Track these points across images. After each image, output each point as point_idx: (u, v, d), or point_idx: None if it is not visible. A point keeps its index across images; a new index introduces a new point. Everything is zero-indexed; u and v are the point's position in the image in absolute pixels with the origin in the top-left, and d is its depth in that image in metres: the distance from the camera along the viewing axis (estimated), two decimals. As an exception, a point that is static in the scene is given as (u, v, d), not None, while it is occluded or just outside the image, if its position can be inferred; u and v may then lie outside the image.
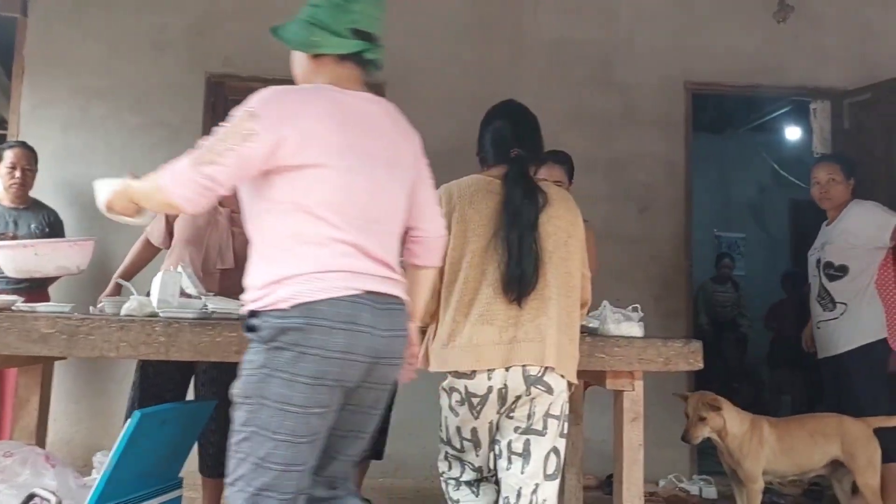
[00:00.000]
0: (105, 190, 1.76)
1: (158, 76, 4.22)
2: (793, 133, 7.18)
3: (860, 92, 4.49)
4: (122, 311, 2.28)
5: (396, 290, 1.67)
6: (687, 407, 2.97)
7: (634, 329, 2.35)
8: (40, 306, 2.36)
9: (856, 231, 3.44)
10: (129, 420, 2.09)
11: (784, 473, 3.06)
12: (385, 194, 1.69)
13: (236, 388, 1.58)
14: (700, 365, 2.30)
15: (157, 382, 2.84)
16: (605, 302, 2.42)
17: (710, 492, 3.93)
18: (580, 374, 2.22)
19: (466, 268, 2.01)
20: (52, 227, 3.66)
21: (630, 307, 2.41)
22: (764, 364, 6.51)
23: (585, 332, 2.37)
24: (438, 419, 2.11)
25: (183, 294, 2.44)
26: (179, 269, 2.45)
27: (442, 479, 2.19)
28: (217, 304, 2.36)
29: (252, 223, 1.65)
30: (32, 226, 3.59)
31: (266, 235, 1.62)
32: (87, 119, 4.15)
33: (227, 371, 2.01)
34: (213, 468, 2.80)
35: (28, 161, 3.59)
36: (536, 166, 2.18)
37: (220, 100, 4.25)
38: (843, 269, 3.46)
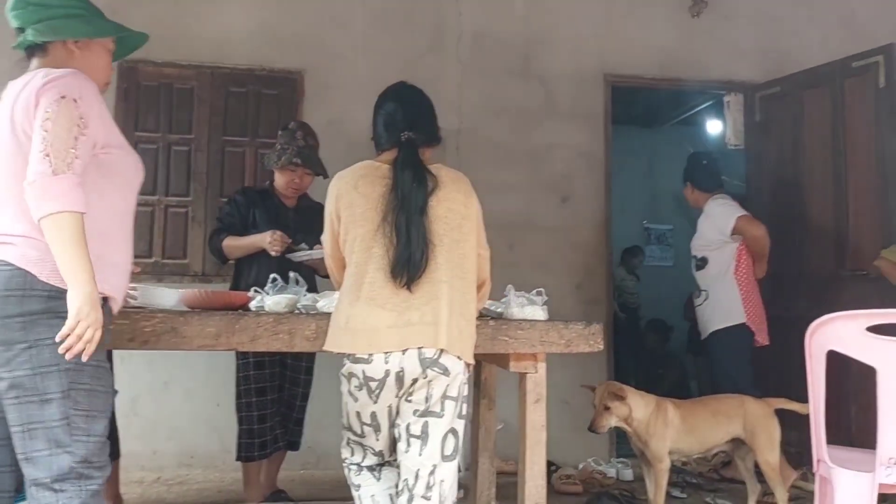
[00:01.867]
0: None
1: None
2: (714, 126, 7.39)
3: (770, 85, 4.65)
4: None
5: None
6: (594, 398, 3.03)
7: (538, 312, 2.38)
8: None
9: (707, 227, 3.96)
10: None
11: (689, 452, 3.16)
12: None
13: None
14: (600, 346, 2.35)
15: None
16: (509, 286, 2.44)
17: (627, 473, 4.02)
18: (486, 357, 2.25)
19: (357, 251, 2.02)
20: None
21: (534, 291, 2.45)
22: (685, 352, 6.71)
23: (490, 316, 2.40)
24: (340, 406, 2.11)
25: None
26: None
27: (345, 465, 2.19)
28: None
29: None
30: None
31: None
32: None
33: None
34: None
35: None
36: (429, 149, 2.18)
37: (132, 86, 4.13)
38: (704, 261, 3.96)
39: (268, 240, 3.01)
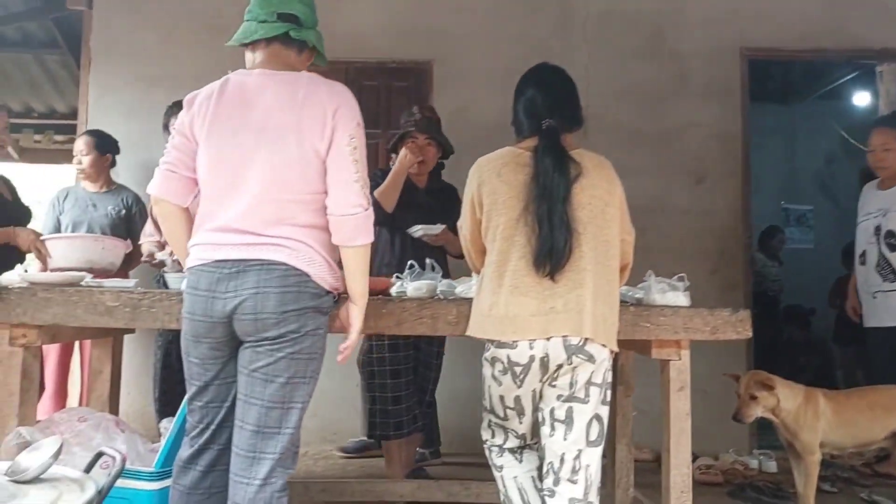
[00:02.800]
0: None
1: (214, 61, 4.29)
2: (861, 99, 6.88)
3: (930, 52, 4.28)
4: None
5: (258, 254, 1.81)
6: (738, 387, 2.93)
7: (680, 298, 2.33)
8: (107, 282, 2.50)
9: None
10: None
11: (842, 445, 2.99)
12: (247, 167, 1.83)
13: None
14: (748, 334, 2.28)
15: None
16: (649, 272, 2.40)
17: (771, 465, 3.86)
18: (625, 343, 2.23)
19: (499, 240, 2.04)
20: (130, 210, 3.84)
21: (675, 276, 2.40)
22: (831, 341, 6.31)
23: (630, 302, 2.37)
24: (481, 389, 2.16)
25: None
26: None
27: (485, 446, 2.24)
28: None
29: None
30: (109, 208, 3.78)
31: None
32: (148, 106, 4.28)
33: None
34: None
35: (89, 149, 3.77)
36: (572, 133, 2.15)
37: (274, 83, 4.35)
38: None
39: (403, 154, 3.16)
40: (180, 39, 4.35)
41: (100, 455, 1.68)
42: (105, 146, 3.82)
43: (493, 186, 2.07)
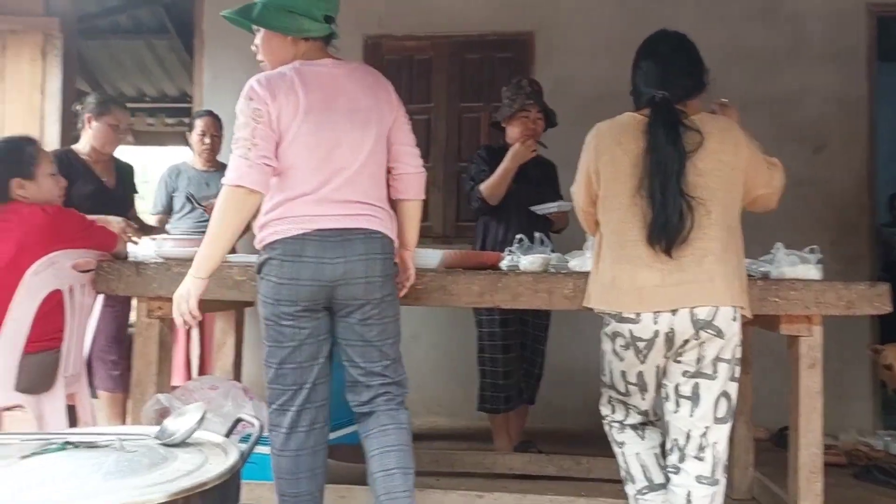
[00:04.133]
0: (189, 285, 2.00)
1: (319, 41, 4.41)
2: None
3: None
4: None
5: (358, 223, 2.01)
6: (885, 359, 2.76)
7: (811, 271, 2.22)
8: (233, 257, 2.60)
9: None
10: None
11: None
12: (345, 144, 2.01)
13: None
14: (888, 308, 2.16)
15: None
16: (778, 244, 2.30)
17: (897, 448, 3.65)
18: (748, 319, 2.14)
19: (618, 209, 2.00)
20: None
21: (807, 248, 2.28)
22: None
23: (755, 276, 2.28)
24: (600, 364, 2.13)
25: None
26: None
27: (605, 422, 2.21)
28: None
29: None
30: (221, 185, 3.93)
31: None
32: (258, 86, 4.44)
33: None
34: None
35: (215, 128, 3.93)
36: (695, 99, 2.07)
37: (377, 61, 4.38)
38: None
39: (518, 148, 3.09)
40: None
41: (238, 421, 1.75)
42: (222, 126, 3.98)
43: (612, 154, 2.02)
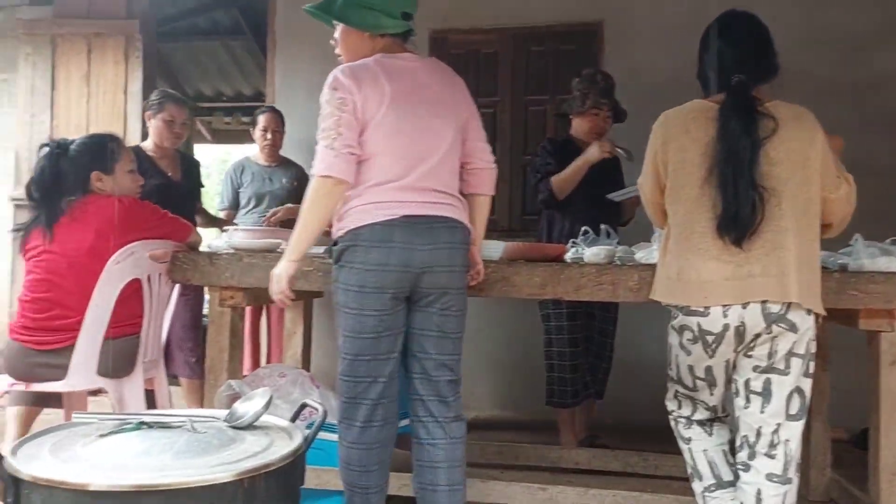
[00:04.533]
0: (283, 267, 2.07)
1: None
2: None
3: None
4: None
5: (441, 212, 2.04)
6: None
7: (894, 264, 2.11)
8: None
9: None
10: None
11: None
12: (428, 134, 2.04)
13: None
14: (980, 303, 2.02)
15: None
16: (856, 235, 2.19)
17: None
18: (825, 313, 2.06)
19: (685, 200, 1.94)
20: (300, 182, 4.09)
21: (889, 240, 2.17)
22: None
23: (832, 268, 2.18)
24: (667, 358, 2.08)
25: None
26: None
27: (671, 417, 2.16)
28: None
29: None
30: (284, 180, 4.04)
31: None
32: (327, 83, 4.52)
33: None
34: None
35: (277, 124, 4.04)
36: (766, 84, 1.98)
37: (443, 55, 4.40)
38: None
39: (595, 150, 3.04)
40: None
41: (303, 407, 1.80)
42: (284, 123, 4.08)
43: (680, 144, 1.97)
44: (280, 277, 2.05)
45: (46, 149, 2.57)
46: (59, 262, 2.44)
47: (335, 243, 2.06)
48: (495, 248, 2.48)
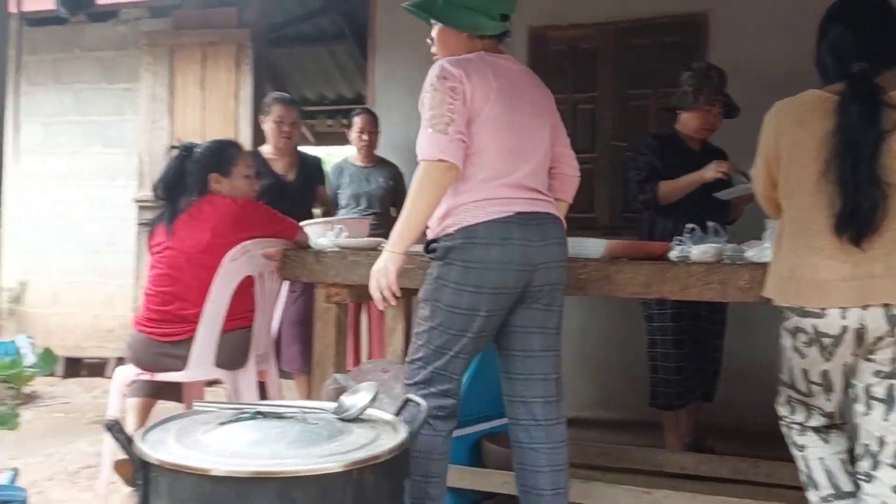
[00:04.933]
0: (388, 260, 2.02)
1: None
2: None
3: None
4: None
5: (546, 208, 2.05)
6: None
7: None
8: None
9: None
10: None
11: None
12: (531, 133, 2.06)
13: (421, 293, 2.06)
14: None
15: None
16: None
17: None
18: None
19: (800, 195, 1.84)
20: (396, 181, 4.17)
21: None
22: None
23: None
24: (780, 361, 1.99)
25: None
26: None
27: (783, 423, 2.06)
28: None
29: None
30: (380, 180, 4.14)
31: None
32: (426, 84, 4.58)
33: None
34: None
35: (372, 125, 4.14)
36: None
37: (542, 52, 4.37)
38: None
39: (713, 170, 2.95)
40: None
41: (407, 402, 1.84)
42: (378, 123, 4.17)
43: (794, 136, 1.87)
44: (387, 271, 1.97)
45: (175, 151, 2.77)
46: (179, 258, 2.61)
47: (432, 241, 2.06)
48: (596, 247, 2.44)
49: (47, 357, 4.76)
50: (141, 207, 5.04)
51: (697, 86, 3.09)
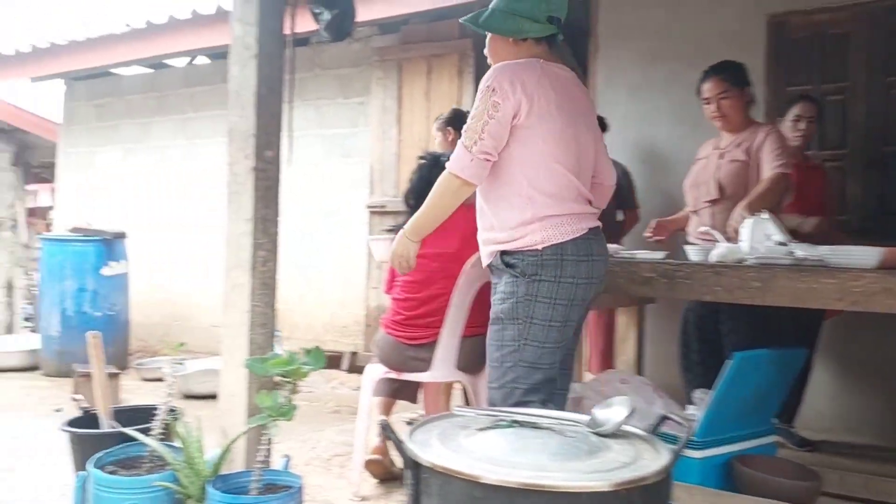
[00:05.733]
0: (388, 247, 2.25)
1: (717, 29, 4.17)
2: None
3: None
4: (712, 258, 2.41)
5: (598, 222, 2.14)
6: None
7: None
8: (640, 254, 2.65)
9: None
10: (729, 362, 2.21)
11: None
12: (585, 143, 2.11)
13: (500, 312, 2.08)
14: None
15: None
16: None
17: None
18: None
19: None
20: (619, 181, 4.03)
21: None
22: None
23: None
24: None
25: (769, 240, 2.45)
26: (766, 215, 2.45)
27: None
28: (805, 251, 2.30)
29: (495, 174, 2.07)
30: None
31: (511, 184, 2.04)
32: (650, 81, 4.39)
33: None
34: None
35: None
36: None
37: (783, 41, 4.02)
38: None
39: None
40: (683, 13, 4.31)
41: (663, 419, 1.77)
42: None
43: None
44: (409, 257, 2.23)
45: (422, 161, 2.92)
46: (430, 265, 2.74)
47: (504, 252, 2.08)
48: (867, 255, 2.19)
49: (317, 355, 5.19)
50: (372, 213, 5.39)
51: None
